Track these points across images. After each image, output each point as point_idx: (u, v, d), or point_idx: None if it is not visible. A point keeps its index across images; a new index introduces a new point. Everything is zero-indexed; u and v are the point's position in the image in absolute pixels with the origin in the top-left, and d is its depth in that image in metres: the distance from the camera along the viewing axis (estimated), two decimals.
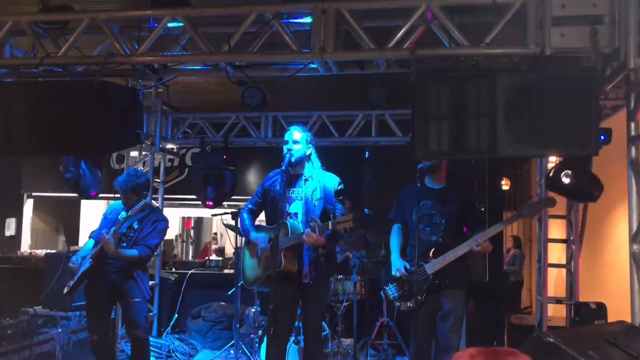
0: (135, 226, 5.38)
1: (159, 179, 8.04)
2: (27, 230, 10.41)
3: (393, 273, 5.15)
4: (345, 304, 6.77)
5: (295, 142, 4.95)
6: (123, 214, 5.40)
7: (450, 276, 5.00)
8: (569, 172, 5.28)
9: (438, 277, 4.99)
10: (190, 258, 9.73)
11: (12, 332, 5.24)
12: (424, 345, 5.20)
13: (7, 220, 9.31)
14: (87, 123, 4.32)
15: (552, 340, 3.67)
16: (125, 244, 5.26)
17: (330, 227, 4.54)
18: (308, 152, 5.01)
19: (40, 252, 8.44)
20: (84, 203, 11.00)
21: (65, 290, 5.36)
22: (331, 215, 4.77)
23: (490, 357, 3.24)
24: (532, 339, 3.76)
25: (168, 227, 5.64)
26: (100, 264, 5.24)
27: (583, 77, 4.18)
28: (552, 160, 6.14)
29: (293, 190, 4.98)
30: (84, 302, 5.63)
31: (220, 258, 9.23)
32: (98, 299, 5.37)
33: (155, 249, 5.50)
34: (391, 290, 5.22)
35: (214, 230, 9.56)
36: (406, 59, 4.65)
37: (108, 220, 5.47)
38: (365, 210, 6.85)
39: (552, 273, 6.41)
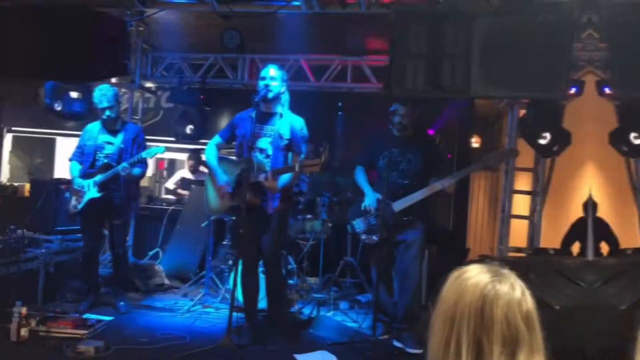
0: (122, 146, 5.94)
1: (137, 116, 8.17)
2: (5, 164, 10.50)
3: (367, 204, 5.42)
4: (311, 242, 7.05)
5: (272, 78, 5.12)
6: (102, 137, 5.98)
7: (414, 213, 5.31)
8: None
9: (403, 214, 5.29)
10: (163, 196, 9.89)
11: (1, 248, 5.50)
12: (386, 275, 5.53)
13: None
14: (79, 49, 4.48)
15: (496, 263, 3.95)
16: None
17: (297, 169, 4.78)
18: (282, 90, 5.20)
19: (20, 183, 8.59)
20: (59, 140, 11.05)
21: (72, 211, 5.99)
22: (298, 157, 5.01)
23: None
24: (479, 261, 4.04)
25: (144, 134, 6.30)
26: (106, 190, 5.89)
27: (560, 22, 4.30)
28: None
29: (263, 127, 5.15)
30: (66, 227, 6.52)
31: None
32: (96, 218, 6.07)
33: (147, 163, 6.09)
34: (358, 225, 5.52)
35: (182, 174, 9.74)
36: None
37: (88, 147, 5.97)
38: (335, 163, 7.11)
39: (514, 227, 6.66)
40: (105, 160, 5.90)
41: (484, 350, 1.47)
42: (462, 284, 1.55)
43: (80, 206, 5.91)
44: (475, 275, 1.57)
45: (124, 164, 5.73)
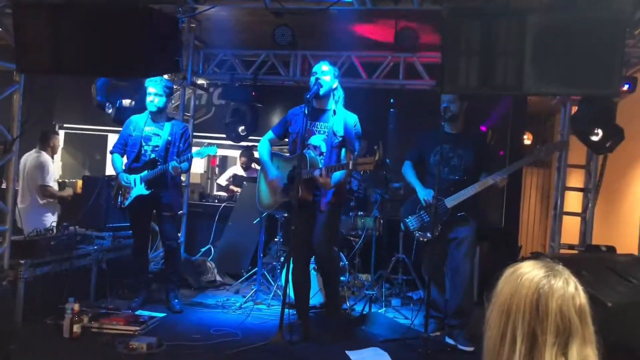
0: (169, 138, 5.93)
1: (189, 113, 8.25)
2: (58, 161, 10.68)
3: (422, 198, 5.39)
4: (363, 239, 7.03)
5: (324, 72, 5.12)
6: (149, 128, 6.00)
7: (467, 209, 5.26)
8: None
9: (456, 210, 5.23)
10: (215, 193, 9.98)
11: (55, 244, 5.56)
12: (437, 272, 5.49)
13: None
14: (131, 46, 4.48)
15: (548, 260, 3.87)
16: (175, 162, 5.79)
17: (350, 168, 4.75)
18: (334, 86, 5.19)
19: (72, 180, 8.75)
20: (110, 137, 11.24)
21: (119, 205, 6.02)
22: (352, 155, 5.00)
23: None
24: (531, 258, 3.96)
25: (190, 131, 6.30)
26: (154, 187, 5.89)
27: (612, 18, 4.21)
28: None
29: (316, 124, 5.15)
30: (118, 224, 6.56)
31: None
32: (143, 214, 6.10)
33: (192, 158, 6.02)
34: (411, 222, 5.48)
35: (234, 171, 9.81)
36: None
37: (134, 138, 5.99)
38: (387, 160, 7.07)
39: (566, 224, 6.53)
40: (152, 155, 5.90)
41: (537, 341, 1.55)
42: (518, 279, 1.63)
43: (127, 202, 5.93)
44: (530, 270, 1.64)
45: (174, 163, 5.71)
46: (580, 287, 1.62)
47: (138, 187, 5.86)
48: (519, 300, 1.58)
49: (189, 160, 5.92)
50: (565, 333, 1.54)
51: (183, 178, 8.18)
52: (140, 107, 6.30)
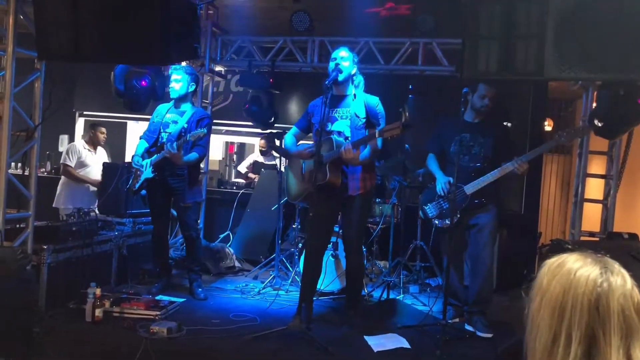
0: (186, 126, 5.88)
1: (207, 100, 8.27)
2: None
3: (438, 188, 5.37)
4: (381, 226, 7.02)
5: (342, 58, 5.10)
6: (168, 116, 6.00)
7: (486, 195, 5.23)
8: None
9: (475, 196, 5.21)
10: (233, 180, 10.04)
11: (77, 229, 5.62)
12: (457, 259, 5.48)
13: (61, 136, 9.67)
14: (150, 33, 4.48)
15: (569, 246, 3.85)
16: (183, 151, 5.74)
17: (377, 136, 4.73)
18: (353, 72, 5.17)
19: None
20: (130, 125, 11.30)
21: (131, 189, 6.07)
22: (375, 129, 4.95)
23: None
24: (552, 244, 3.95)
25: (211, 120, 6.24)
26: (161, 172, 5.88)
27: (637, 1, 4.12)
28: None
29: (337, 110, 5.14)
30: (139, 210, 6.65)
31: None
32: (159, 200, 6.11)
33: (208, 145, 6.06)
34: (430, 209, 5.46)
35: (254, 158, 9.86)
36: None
37: (155, 124, 6.05)
38: (406, 145, 7.05)
39: (587, 211, 6.48)
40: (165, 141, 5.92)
41: (598, 343, 1.46)
42: (570, 276, 1.52)
43: (137, 185, 5.98)
44: (581, 265, 1.54)
45: (168, 146, 5.66)
46: (634, 283, 1.53)
47: (146, 171, 5.91)
48: (574, 299, 1.49)
49: (199, 148, 5.88)
50: (629, 334, 1.47)
51: (216, 167, 8.20)
52: (152, 94, 6.43)
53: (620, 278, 1.51)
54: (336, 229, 6.17)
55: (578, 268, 1.53)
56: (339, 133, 5.11)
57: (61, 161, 7.89)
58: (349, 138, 5.06)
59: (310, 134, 5.50)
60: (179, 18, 4.69)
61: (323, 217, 4.99)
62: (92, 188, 7.77)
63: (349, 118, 5.11)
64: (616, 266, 1.55)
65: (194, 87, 6.08)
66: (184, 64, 6.22)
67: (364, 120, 5.08)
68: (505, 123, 7.25)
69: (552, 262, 1.60)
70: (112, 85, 6.32)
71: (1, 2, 4.99)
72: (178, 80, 5.92)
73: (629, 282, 1.52)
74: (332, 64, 5.12)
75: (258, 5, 7.78)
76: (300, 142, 5.64)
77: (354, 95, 5.16)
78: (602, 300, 1.47)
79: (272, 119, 7.71)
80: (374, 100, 5.14)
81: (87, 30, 4.56)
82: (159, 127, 6.00)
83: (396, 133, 4.58)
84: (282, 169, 6.49)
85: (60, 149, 9.35)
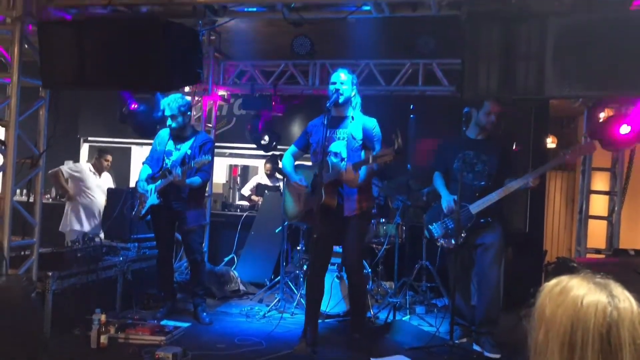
0: (189, 152, 5.91)
1: (210, 124, 8.32)
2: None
3: (444, 205, 5.37)
4: (385, 246, 7.01)
5: (342, 82, 5.14)
6: (171, 143, 6.05)
7: (492, 214, 5.22)
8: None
9: (481, 215, 5.21)
10: (237, 202, 10.07)
11: (81, 255, 5.64)
12: (464, 280, 5.46)
13: (65, 162, 9.71)
14: (153, 60, 4.54)
15: (574, 265, 3.85)
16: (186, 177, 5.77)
17: (370, 162, 4.74)
18: (353, 94, 5.21)
19: None
20: (134, 149, 11.35)
21: (137, 215, 6.12)
22: (371, 152, 4.97)
23: None
24: (557, 263, 3.95)
25: (213, 143, 6.27)
26: (165, 197, 5.91)
27: (633, 19, 4.19)
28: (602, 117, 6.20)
29: (336, 131, 5.16)
30: (143, 235, 6.62)
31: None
32: (163, 225, 6.13)
33: (211, 170, 6.11)
34: (435, 229, 5.46)
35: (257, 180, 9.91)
36: (458, 0, 4.76)
37: (158, 152, 6.08)
38: (408, 165, 7.07)
39: (592, 228, 6.47)
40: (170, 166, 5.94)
41: None
42: (576, 306, 1.46)
43: (143, 212, 6.02)
44: (587, 293, 1.47)
45: (174, 172, 5.68)
46: (636, 302, 1.47)
47: (152, 197, 5.94)
48: (584, 331, 1.41)
49: (203, 173, 5.91)
50: None
51: (220, 190, 8.23)
52: (149, 115, 6.52)
53: (627, 303, 1.46)
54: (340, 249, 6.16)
55: (584, 295, 1.46)
56: (336, 154, 5.14)
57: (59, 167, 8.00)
58: (345, 159, 5.08)
59: (308, 154, 5.52)
60: (181, 44, 4.74)
61: (321, 238, 5.00)
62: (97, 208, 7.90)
63: (345, 139, 5.13)
64: (619, 289, 1.49)
65: (189, 114, 6.15)
66: (187, 89, 6.27)
67: (361, 142, 5.11)
68: (513, 144, 7.28)
69: (552, 286, 1.53)
70: (119, 107, 6.41)
71: (6, 32, 5.05)
72: (172, 112, 5.91)
73: (635, 306, 1.46)
74: (332, 87, 5.15)
75: (259, 30, 7.84)
76: (297, 162, 5.64)
77: (352, 117, 5.18)
78: (613, 331, 1.41)
79: (274, 142, 7.74)
80: (371, 123, 5.17)
81: (90, 59, 4.63)
82: (162, 155, 6.04)
83: (389, 159, 4.60)
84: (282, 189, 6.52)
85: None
